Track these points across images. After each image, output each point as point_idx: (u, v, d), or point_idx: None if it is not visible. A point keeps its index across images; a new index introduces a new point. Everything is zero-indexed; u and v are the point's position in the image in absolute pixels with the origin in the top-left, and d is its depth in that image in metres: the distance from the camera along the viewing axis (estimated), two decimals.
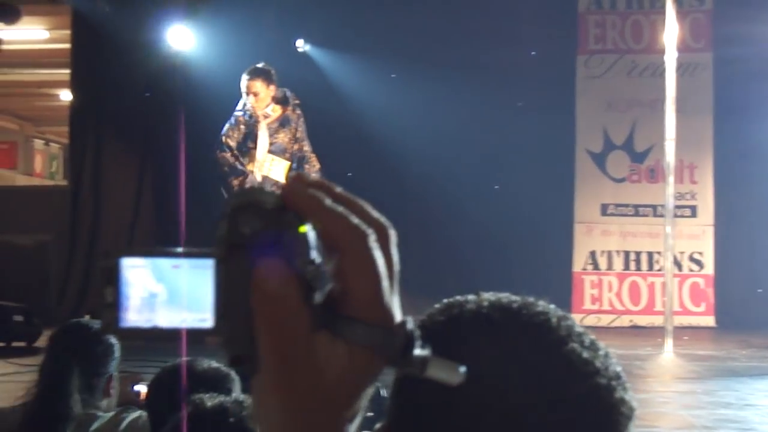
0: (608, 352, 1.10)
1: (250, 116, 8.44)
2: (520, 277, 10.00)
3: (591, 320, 10.21)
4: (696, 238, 10.19)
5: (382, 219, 0.74)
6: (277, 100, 8.45)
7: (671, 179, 8.27)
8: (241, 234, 0.71)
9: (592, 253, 10.35)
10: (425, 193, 10.39)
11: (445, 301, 1.23)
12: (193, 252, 0.73)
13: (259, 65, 8.47)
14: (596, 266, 10.34)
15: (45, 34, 13.41)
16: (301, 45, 10.49)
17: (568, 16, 10.38)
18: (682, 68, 9.93)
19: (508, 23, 10.21)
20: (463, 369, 0.74)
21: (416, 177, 10.38)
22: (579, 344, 1.07)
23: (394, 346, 0.71)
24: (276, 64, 9.40)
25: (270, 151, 8.44)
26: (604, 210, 10.38)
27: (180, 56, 10.57)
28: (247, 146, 8.45)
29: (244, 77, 8.38)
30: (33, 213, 11.24)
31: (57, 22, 12.33)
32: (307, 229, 0.70)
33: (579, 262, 10.35)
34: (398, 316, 0.72)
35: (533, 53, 10.35)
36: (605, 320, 10.22)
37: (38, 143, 19.69)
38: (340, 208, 0.71)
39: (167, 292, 0.73)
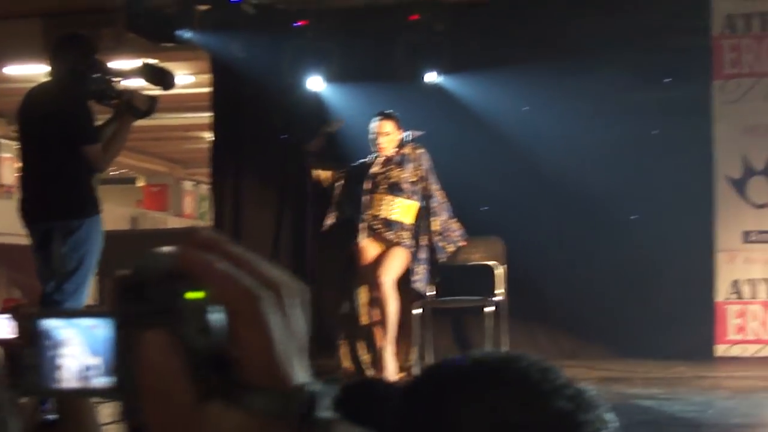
0: (595, 401, 1.10)
1: (373, 160, 8.62)
2: (662, 308, 9.87)
3: (736, 351, 9.94)
4: None
5: (282, 278, 0.74)
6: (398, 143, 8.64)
7: None
8: (131, 303, 0.72)
9: (735, 282, 10.08)
10: (562, 224, 10.30)
11: (435, 362, 1.24)
12: (95, 312, 0.74)
13: (388, 111, 8.70)
14: (740, 295, 10.07)
15: (190, 79, 13.79)
16: (431, 77, 10.52)
17: (701, 40, 10.18)
18: None
19: (640, 51, 10.08)
20: None
21: (551, 208, 10.30)
22: (563, 398, 1.08)
23: (292, 411, 0.71)
24: (407, 98, 9.52)
25: (389, 191, 8.54)
26: (747, 237, 10.10)
27: (314, 99, 10.75)
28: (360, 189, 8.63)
29: (376, 118, 8.55)
30: None
31: (200, 66, 12.67)
32: (199, 294, 0.71)
33: (722, 291, 10.09)
34: (300, 378, 0.72)
35: (667, 80, 10.19)
36: (751, 350, 9.92)
37: (187, 184, 20.19)
38: (232, 270, 0.72)
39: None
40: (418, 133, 8.78)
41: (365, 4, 10.86)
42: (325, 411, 0.72)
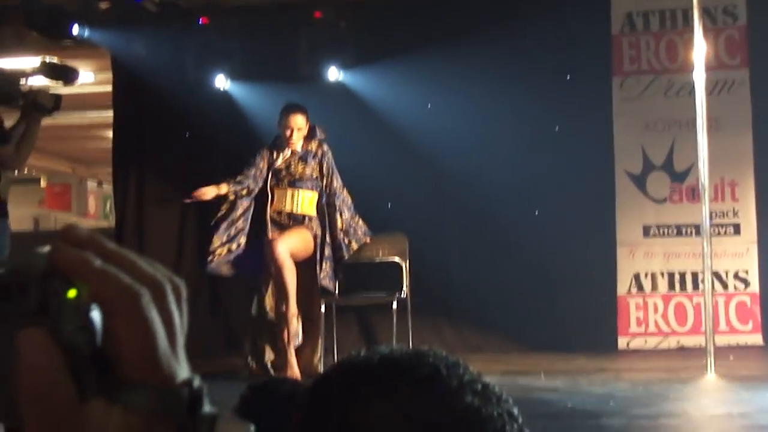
0: (501, 395, 1.11)
1: (278, 152, 8.53)
2: (565, 302, 10.00)
3: (638, 343, 10.11)
4: (740, 256, 10.06)
5: (159, 275, 0.73)
6: (307, 135, 8.58)
7: (706, 199, 8.18)
8: (6, 303, 0.70)
9: (636, 276, 10.24)
10: (465, 220, 10.37)
11: (342, 359, 1.23)
12: None
13: (295, 103, 8.64)
14: (641, 288, 10.24)
15: (91, 77, 13.61)
16: (334, 74, 10.52)
17: (601, 38, 10.33)
18: (718, 86, 9.89)
19: (541, 48, 10.18)
20: (252, 428, 0.74)
21: (455, 204, 10.38)
22: (470, 393, 1.08)
23: (176, 407, 0.70)
24: (311, 95, 9.51)
25: (292, 185, 8.50)
26: (647, 231, 10.28)
27: (218, 96, 10.70)
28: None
29: (290, 112, 8.46)
30: None
31: (101, 64, 12.51)
32: (78, 291, 0.70)
33: (623, 284, 10.25)
34: (183, 374, 0.71)
35: (568, 77, 10.31)
36: (652, 342, 10.11)
37: (91, 184, 19.93)
38: (111, 268, 0.71)
39: None
40: (322, 136, 8.74)
41: (268, 1, 10.85)
42: (209, 406, 0.72)
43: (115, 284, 0.71)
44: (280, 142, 8.60)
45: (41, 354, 0.68)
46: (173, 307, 0.74)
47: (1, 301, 0.71)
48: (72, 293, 0.70)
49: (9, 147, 6.75)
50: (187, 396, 0.71)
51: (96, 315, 0.71)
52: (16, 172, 7.52)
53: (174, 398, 0.71)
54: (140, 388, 0.70)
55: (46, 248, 0.73)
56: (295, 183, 8.53)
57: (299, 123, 8.48)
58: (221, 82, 10.68)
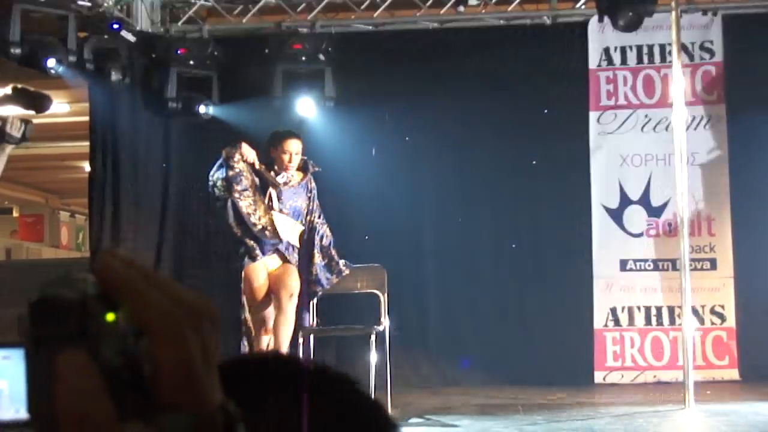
0: None
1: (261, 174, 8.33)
2: (542, 335, 10.00)
3: (614, 377, 10.11)
4: (716, 290, 10.10)
5: (197, 301, 0.73)
6: (299, 167, 8.45)
7: (685, 234, 8.21)
8: (45, 325, 0.70)
9: (613, 310, 10.26)
10: (442, 254, 10.38)
11: None
12: (5, 342, 0.71)
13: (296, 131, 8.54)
14: (617, 322, 10.26)
15: (66, 108, 13.59)
16: (312, 105, 10.48)
17: (579, 72, 10.38)
18: (695, 121, 9.96)
19: (519, 82, 10.24)
20: None
21: (432, 238, 10.39)
22: None
23: (213, 430, 0.70)
24: (288, 125, 9.46)
25: (287, 214, 8.39)
26: (624, 265, 10.31)
27: (196, 126, 10.67)
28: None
29: (293, 139, 8.34)
30: None
31: (76, 95, 12.48)
32: (117, 315, 0.70)
33: (600, 318, 10.27)
34: (218, 399, 0.71)
35: (545, 111, 10.35)
36: (628, 377, 10.11)
37: (64, 215, 19.86)
38: (153, 291, 0.71)
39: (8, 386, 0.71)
40: (315, 169, 8.65)
41: (246, 32, 10.88)
42: (242, 430, 0.71)
43: (156, 307, 0.71)
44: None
45: (81, 377, 0.68)
46: (211, 332, 0.73)
47: (41, 324, 0.71)
48: (111, 317, 0.70)
49: None
50: (222, 421, 0.71)
51: (136, 338, 0.71)
52: None
53: (210, 423, 0.70)
54: (177, 413, 0.70)
55: (85, 274, 0.72)
56: (291, 214, 8.40)
57: (296, 147, 8.36)
58: (203, 109, 10.61)
